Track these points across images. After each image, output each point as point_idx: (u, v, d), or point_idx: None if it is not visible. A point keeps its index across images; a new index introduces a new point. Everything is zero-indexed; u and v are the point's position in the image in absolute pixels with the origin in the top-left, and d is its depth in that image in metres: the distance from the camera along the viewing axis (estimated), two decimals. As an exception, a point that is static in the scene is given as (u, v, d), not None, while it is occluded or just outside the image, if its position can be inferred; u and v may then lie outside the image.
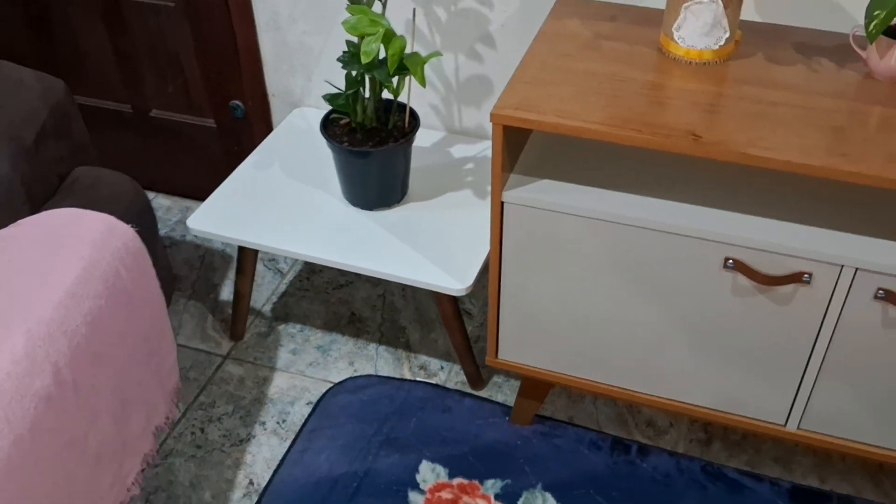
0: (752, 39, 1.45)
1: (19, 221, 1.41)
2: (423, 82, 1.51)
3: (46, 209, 1.44)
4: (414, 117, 1.73)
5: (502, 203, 1.38)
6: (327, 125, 1.73)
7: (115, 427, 1.36)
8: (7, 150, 1.41)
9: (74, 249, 1.34)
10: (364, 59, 1.46)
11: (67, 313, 1.26)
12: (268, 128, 2.17)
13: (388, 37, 1.48)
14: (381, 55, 1.60)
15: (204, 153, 2.29)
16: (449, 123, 1.98)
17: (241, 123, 2.19)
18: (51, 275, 1.29)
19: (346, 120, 1.74)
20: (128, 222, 1.44)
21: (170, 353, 1.54)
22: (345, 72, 1.66)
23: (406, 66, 1.52)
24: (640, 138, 1.22)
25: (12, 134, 1.43)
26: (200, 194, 2.40)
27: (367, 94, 1.68)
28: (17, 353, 1.17)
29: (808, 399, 1.42)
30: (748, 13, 1.54)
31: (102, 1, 2.07)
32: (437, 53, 1.55)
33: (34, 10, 2.15)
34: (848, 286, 1.26)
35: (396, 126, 1.73)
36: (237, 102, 2.15)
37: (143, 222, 1.50)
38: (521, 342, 1.56)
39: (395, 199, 1.77)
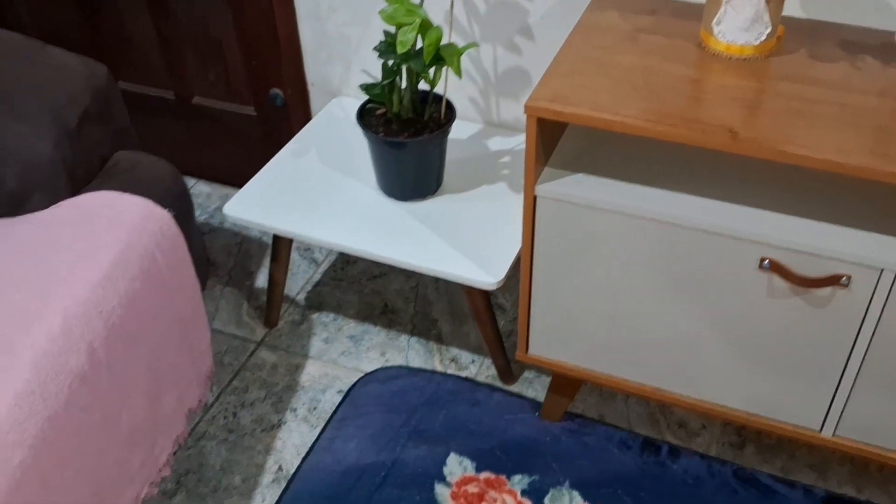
0: (795, 35, 1.42)
1: (60, 203, 1.44)
2: (459, 73, 1.51)
3: (87, 191, 1.47)
4: (450, 109, 1.73)
5: (535, 197, 1.37)
6: (364, 115, 1.73)
7: (147, 407, 1.38)
8: (51, 132, 1.44)
9: (112, 232, 1.36)
10: (400, 49, 1.46)
11: (104, 293, 1.28)
12: (306, 116, 2.19)
13: (425, 27, 1.48)
14: (419, 45, 1.59)
15: (244, 140, 2.31)
16: (486, 116, 1.97)
17: (280, 111, 2.20)
18: (88, 256, 1.31)
19: (382, 110, 1.75)
20: (165, 206, 1.46)
21: (203, 336, 1.56)
22: (382, 62, 1.66)
23: (442, 56, 1.51)
24: (675, 133, 1.20)
25: (56, 117, 1.46)
26: (239, 181, 2.42)
27: (403, 85, 1.68)
28: (53, 331, 1.19)
29: (845, 405, 1.39)
30: (792, 9, 1.51)
31: (148, -11, 2.11)
32: (473, 44, 1.54)
33: (82, -3, 2.19)
34: (888, 290, 1.23)
35: (433, 117, 1.72)
36: (277, 91, 2.17)
37: (180, 207, 1.52)
38: (553, 338, 1.55)
39: (430, 191, 1.77)
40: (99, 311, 1.26)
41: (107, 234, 1.36)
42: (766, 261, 1.27)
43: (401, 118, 1.72)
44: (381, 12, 1.45)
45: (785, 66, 1.34)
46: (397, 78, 1.66)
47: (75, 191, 1.48)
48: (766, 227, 1.26)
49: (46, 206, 1.45)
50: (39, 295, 1.25)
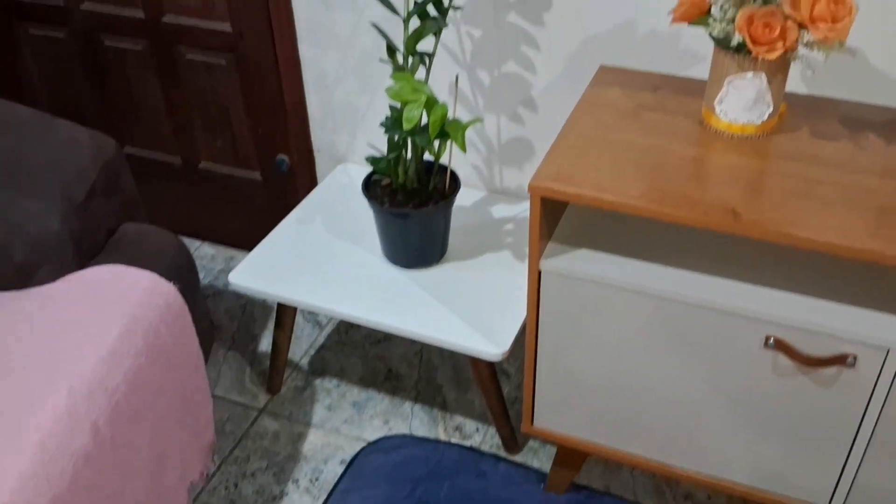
0: (797, 112, 1.44)
1: (67, 276, 1.45)
2: (463, 148, 1.53)
3: (94, 264, 1.48)
4: (454, 179, 1.75)
5: (539, 272, 1.38)
6: (369, 185, 1.75)
7: (150, 483, 1.37)
8: (59, 207, 1.46)
9: (117, 307, 1.37)
10: (406, 126, 1.48)
11: (108, 371, 1.28)
12: (312, 182, 2.21)
13: (430, 103, 1.50)
14: (424, 121, 1.62)
15: (249, 205, 2.33)
16: (490, 183, 1.99)
17: (286, 177, 2.23)
18: (93, 331, 1.32)
19: (387, 181, 1.76)
20: (170, 279, 1.47)
21: (206, 408, 1.56)
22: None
23: (447, 132, 1.53)
24: (678, 215, 1.21)
25: (64, 192, 1.48)
26: (244, 244, 2.44)
27: (408, 156, 1.70)
28: (58, 411, 1.19)
29: (854, 480, 1.38)
30: (794, 85, 1.53)
31: (158, 57, 2.14)
32: (478, 119, 1.57)
33: (93, 63, 2.23)
34: (895, 370, 1.22)
35: (437, 188, 1.74)
36: (283, 157, 2.19)
37: (186, 279, 1.53)
38: (558, 410, 1.54)
39: (435, 259, 1.78)
40: (104, 388, 1.26)
41: (112, 309, 1.36)
42: (771, 339, 1.27)
43: (406, 189, 1.73)
44: (387, 90, 1.48)
45: (787, 145, 1.36)
46: (403, 151, 1.68)
47: (82, 264, 1.49)
48: (771, 304, 1.27)
49: (53, 280, 1.46)
50: (45, 373, 1.25)
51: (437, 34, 1.62)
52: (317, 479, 1.77)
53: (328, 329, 2.15)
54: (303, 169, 2.18)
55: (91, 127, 2.35)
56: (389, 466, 1.78)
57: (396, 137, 1.62)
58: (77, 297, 1.39)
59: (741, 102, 1.33)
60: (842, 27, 1.19)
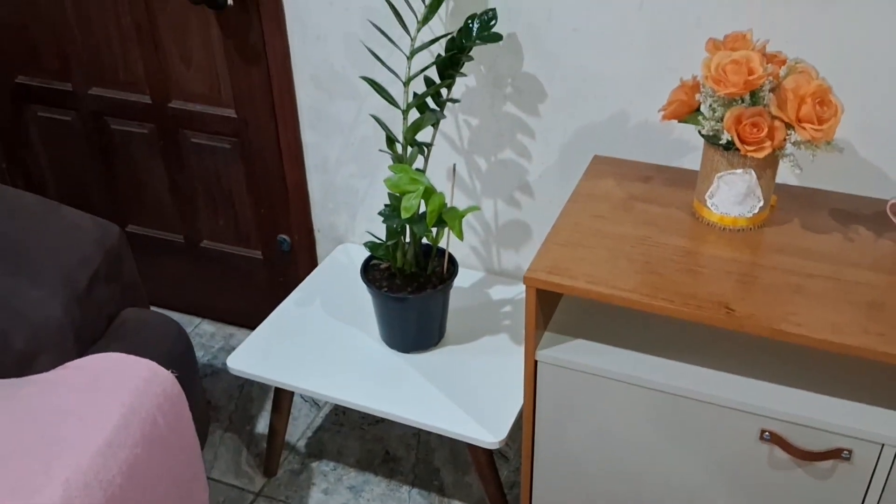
0: (788, 203, 1.47)
1: (66, 364, 1.46)
2: (460, 236, 1.55)
3: (93, 351, 1.49)
4: (453, 263, 1.77)
5: (536, 362, 1.39)
6: (368, 269, 1.78)
7: (142, 577, 1.36)
8: (61, 295, 1.48)
9: (115, 396, 1.38)
10: (404, 215, 1.51)
11: (105, 463, 1.28)
12: (312, 261, 2.23)
13: (428, 193, 1.53)
14: (422, 208, 1.65)
15: (250, 283, 2.36)
16: (488, 264, 2.01)
17: (287, 256, 2.25)
18: (91, 422, 1.32)
19: (386, 264, 1.79)
20: (169, 366, 1.48)
21: (202, 496, 1.55)
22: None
23: (445, 220, 1.56)
24: (671, 309, 1.23)
25: (67, 279, 1.50)
26: (244, 322, 2.46)
27: (407, 240, 1.73)
28: (54, 503, 1.19)
29: (853, 576, 1.36)
30: (784, 176, 1.57)
31: (163, 141, 2.19)
32: (475, 208, 1.60)
33: (99, 144, 2.28)
34: (890, 465, 1.22)
35: (435, 271, 1.76)
36: (284, 236, 2.22)
37: (184, 366, 1.54)
38: (556, 498, 1.53)
39: (433, 342, 1.79)
40: (99, 480, 1.26)
41: (110, 399, 1.37)
42: (767, 433, 1.27)
43: (404, 272, 1.76)
44: (386, 181, 1.51)
45: (778, 237, 1.38)
46: (401, 237, 1.71)
47: (82, 351, 1.50)
48: (766, 398, 1.27)
49: (53, 367, 1.47)
50: (42, 463, 1.25)
51: (436, 125, 1.66)
52: (312, 567, 1.75)
53: (325, 410, 2.15)
54: (303, 248, 2.21)
55: (97, 206, 2.40)
56: (386, 554, 1.76)
57: (395, 225, 1.65)
58: (75, 386, 1.40)
59: (732, 197, 1.36)
60: (828, 128, 1.22)
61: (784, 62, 1.31)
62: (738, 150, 1.28)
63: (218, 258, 2.35)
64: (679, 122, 1.35)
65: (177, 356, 1.53)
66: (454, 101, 1.65)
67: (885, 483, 1.24)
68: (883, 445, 1.21)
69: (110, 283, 1.59)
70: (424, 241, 1.82)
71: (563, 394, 1.40)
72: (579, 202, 1.49)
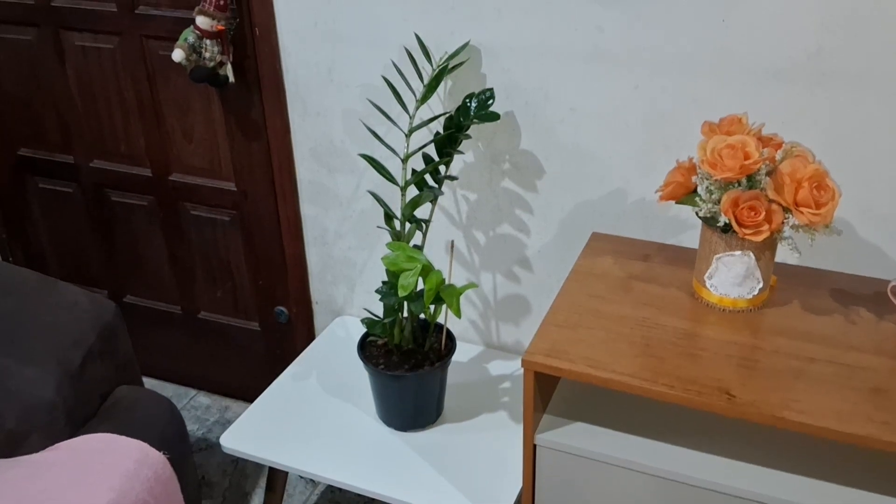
0: (787, 284, 1.46)
1: (57, 445, 1.44)
2: (458, 314, 1.54)
3: (85, 431, 1.47)
4: (451, 339, 1.76)
5: (535, 446, 1.37)
6: (365, 345, 1.76)
7: None
8: (54, 374, 1.46)
9: (106, 479, 1.35)
10: (401, 293, 1.50)
11: (91, 551, 1.25)
12: (310, 332, 2.22)
13: (426, 271, 1.53)
14: (419, 285, 1.64)
15: (247, 354, 2.34)
16: (487, 338, 2.00)
17: (284, 328, 2.24)
18: (79, 508, 1.29)
19: (383, 340, 1.77)
20: (161, 446, 1.45)
21: (192, 582, 1.51)
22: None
23: (443, 297, 1.55)
24: (671, 395, 1.21)
25: (60, 358, 1.48)
26: (240, 394, 2.43)
27: (404, 316, 1.71)
28: None
29: None
30: (784, 255, 1.56)
31: (163, 211, 2.20)
32: (472, 285, 1.59)
33: (99, 216, 2.29)
34: (898, 557, 1.19)
35: (433, 347, 1.75)
36: (282, 308, 2.21)
37: (176, 446, 1.51)
38: (554, 586, 1.49)
39: (430, 421, 1.76)
40: (85, 570, 1.23)
41: (101, 482, 1.34)
42: (771, 522, 1.24)
43: (401, 349, 1.74)
44: (383, 259, 1.51)
45: (779, 319, 1.37)
46: (399, 313, 1.69)
47: (73, 430, 1.48)
48: (766, 486, 1.24)
49: (43, 447, 1.44)
50: (25, 553, 1.21)
51: (434, 201, 1.66)
52: None
53: (321, 488, 2.11)
54: (301, 320, 2.20)
55: (96, 277, 2.39)
56: None
57: (393, 303, 1.64)
58: (66, 468, 1.37)
59: (731, 278, 1.35)
60: (826, 212, 1.22)
61: (780, 145, 1.32)
62: (735, 232, 1.27)
63: (215, 329, 2.34)
64: (676, 203, 1.35)
65: (169, 436, 1.51)
66: (452, 178, 1.66)
67: (895, 576, 1.21)
68: (890, 536, 1.18)
69: (104, 360, 1.57)
70: (422, 316, 1.81)
71: (563, 477, 1.37)
72: (577, 281, 1.48)
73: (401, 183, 1.64)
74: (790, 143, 1.31)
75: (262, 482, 2.12)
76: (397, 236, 1.68)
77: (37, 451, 1.44)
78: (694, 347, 1.30)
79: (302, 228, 2.06)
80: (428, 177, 1.66)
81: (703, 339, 1.32)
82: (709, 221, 1.32)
